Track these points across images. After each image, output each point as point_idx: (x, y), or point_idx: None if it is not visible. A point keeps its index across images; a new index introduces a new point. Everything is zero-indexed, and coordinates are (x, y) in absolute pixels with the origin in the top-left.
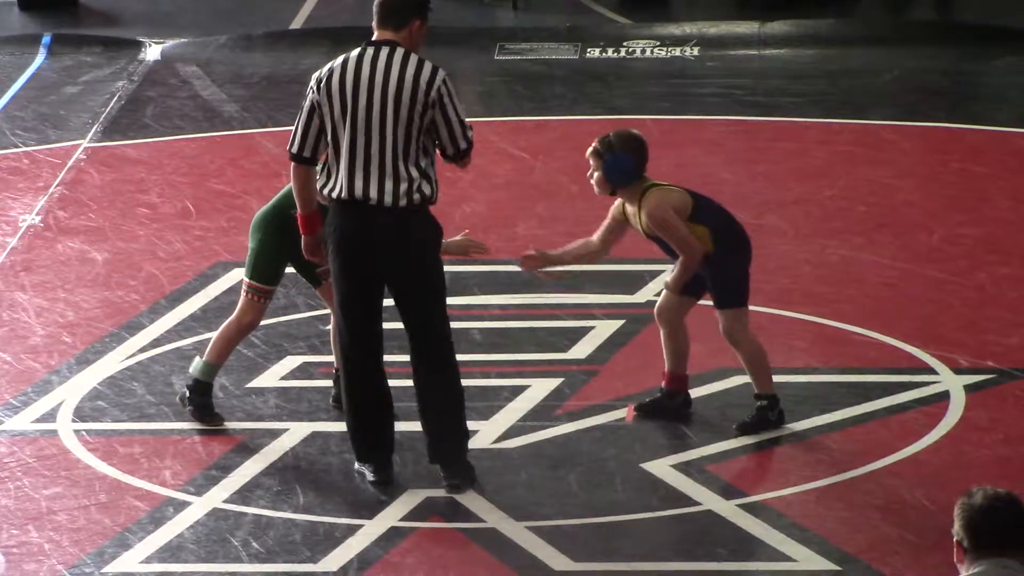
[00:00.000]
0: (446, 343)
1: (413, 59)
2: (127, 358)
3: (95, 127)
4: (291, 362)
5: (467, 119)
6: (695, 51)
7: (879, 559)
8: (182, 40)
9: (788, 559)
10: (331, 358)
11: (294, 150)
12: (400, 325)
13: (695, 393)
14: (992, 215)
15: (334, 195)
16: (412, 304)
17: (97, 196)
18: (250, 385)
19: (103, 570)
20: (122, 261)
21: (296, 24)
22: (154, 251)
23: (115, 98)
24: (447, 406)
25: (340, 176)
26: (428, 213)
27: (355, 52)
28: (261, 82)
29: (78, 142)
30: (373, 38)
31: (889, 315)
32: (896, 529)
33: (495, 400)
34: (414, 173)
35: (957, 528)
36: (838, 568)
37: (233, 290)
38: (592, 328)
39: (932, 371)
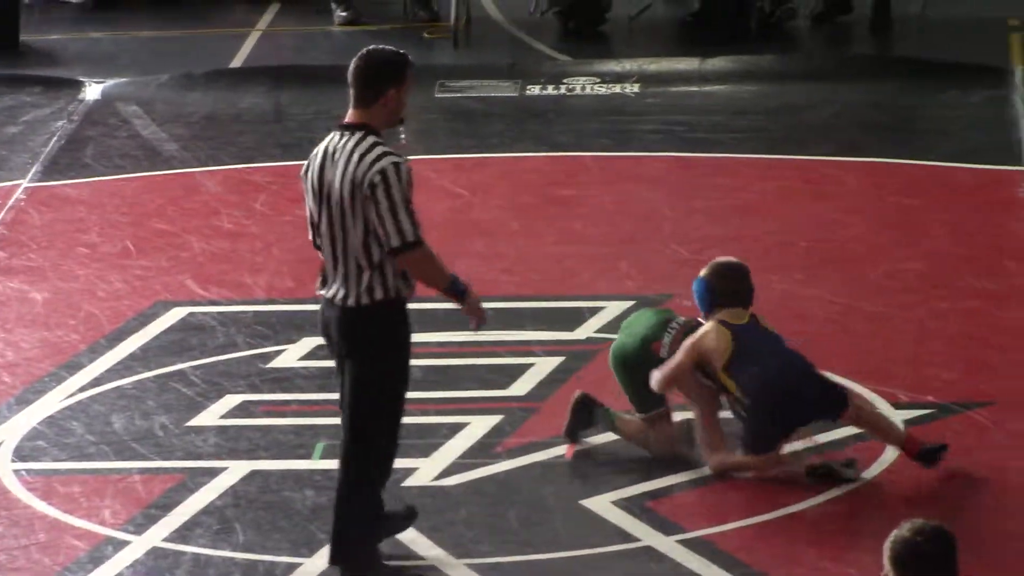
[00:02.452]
0: (358, 442)
1: (364, 146)
2: (67, 397)
3: (35, 167)
4: (230, 400)
5: (407, 216)
6: (635, 87)
7: None
8: (122, 79)
9: None
10: (270, 396)
11: (310, 237)
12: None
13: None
14: (933, 249)
15: (316, 287)
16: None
17: (37, 236)
18: (190, 424)
19: None
20: (62, 301)
21: (236, 63)
22: (94, 291)
23: (55, 138)
24: (339, 495)
25: (322, 271)
26: (381, 311)
27: (327, 140)
28: (201, 121)
29: (18, 182)
30: (345, 118)
31: (830, 350)
32: (835, 564)
33: (434, 437)
34: (364, 274)
35: (886, 561)
36: None
37: (172, 329)
38: (532, 365)
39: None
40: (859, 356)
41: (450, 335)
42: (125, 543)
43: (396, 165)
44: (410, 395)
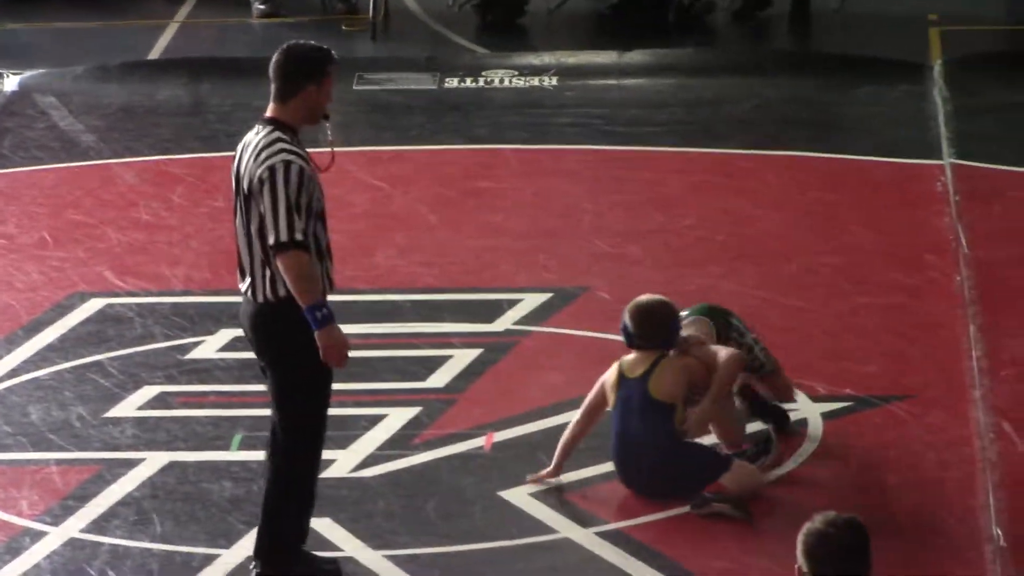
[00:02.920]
0: (284, 436)
1: (266, 141)
2: None
3: None
4: (148, 392)
5: (287, 215)
6: (554, 81)
7: None
8: (39, 71)
9: None
10: (187, 387)
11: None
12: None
13: (549, 423)
14: (851, 243)
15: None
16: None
17: None
18: (107, 415)
19: None
20: None
21: (154, 55)
22: (11, 281)
23: None
24: (265, 497)
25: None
26: (287, 307)
27: (248, 134)
28: (118, 112)
29: None
30: (266, 112)
31: None
32: (753, 556)
33: (352, 429)
34: (268, 269)
35: (799, 554)
36: None
37: (90, 320)
38: (450, 357)
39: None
40: (778, 350)
41: (368, 327)
42: (42, 534)
43: (286, 164)
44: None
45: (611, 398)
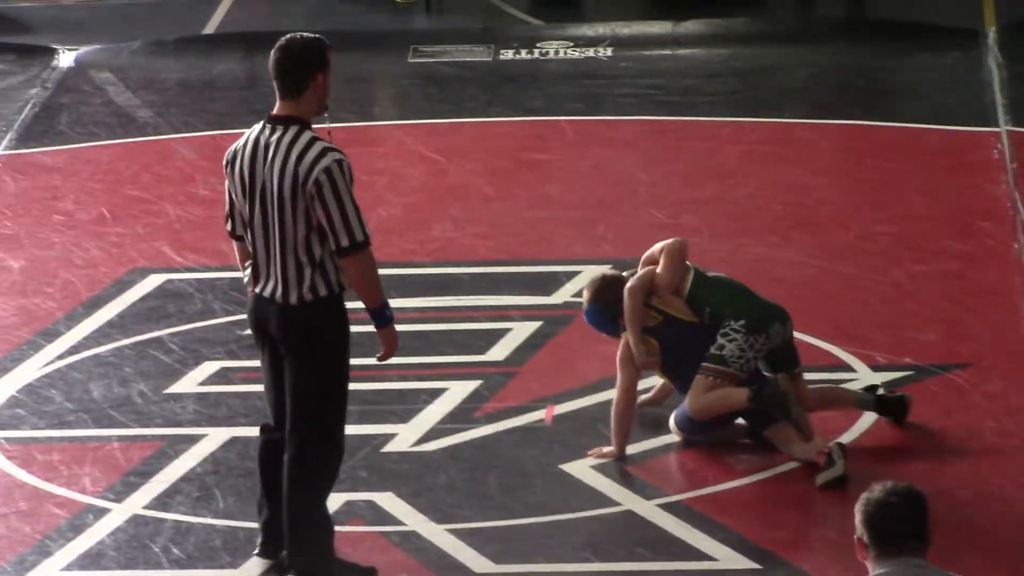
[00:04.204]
0: (314, 434)
1: (301, 142)
2: (45, 365)
3: (9, 135)
4: (209, 367)
5: (356, 215)
6: (608, 51)
7: (799, 557)
8: (95, 47)
9: (709, 558)
10: (248, 363)
11: (228, 227)
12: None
13: (609, 395)
14: (907, 212)
15: (246, 285)
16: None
17: (12, 204)
18: (168, 391)
19: None
20: (38, 268)
21: (209, 29)
22: (70, 258)
23: (29, 105)
24: (287, 489)
25: (251, 264)
26: (324, 307)
27: (255, 132)
28: (174, 87)
29: None
30: (274, 111)
31: (806, 313)
32: (815, 527)
33: (414, 403)
34: (305, 271)
35: (857, 523)
36: (758, 566)
37: (150, 296)
38: (509, 330)
39: (850, 368)
40: (835, 319)
41: (428, 300)
42: (105, 511)
43: (340, 163)
44: (389, 360)
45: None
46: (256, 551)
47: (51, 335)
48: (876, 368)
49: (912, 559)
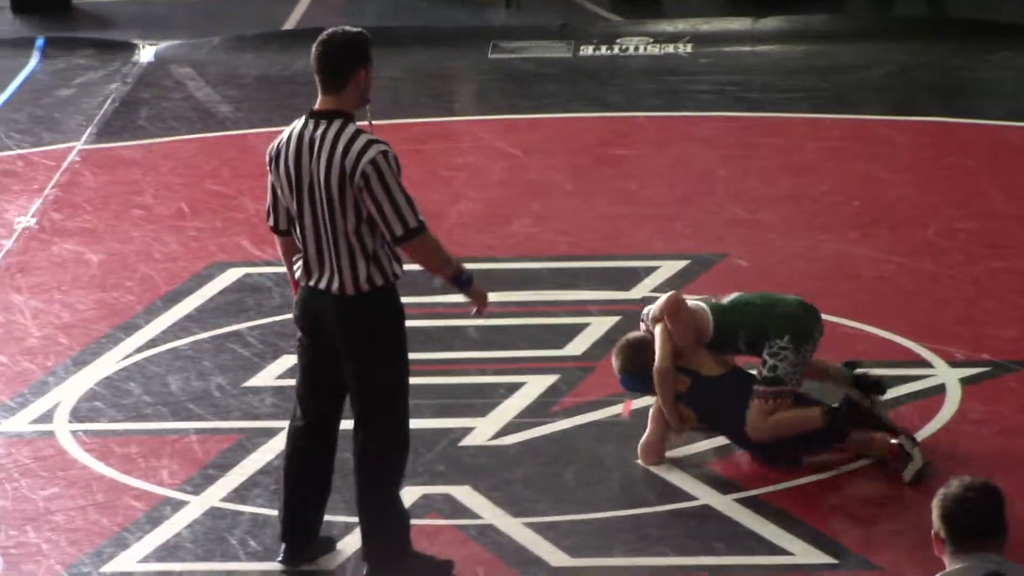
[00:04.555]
0: (388, 429)
1: (346, 135)
2: (123, 359)
3: (89, 129)
4: (287, 361)
5: (407, 203)
6: (688, 48)
7: (876, 553)
8: (175, 42)
9: (785, 553)
10: None
11: (270, 222)
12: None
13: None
14: (986, 209)
15: (297, 278)
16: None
17: (92, 198)
18: (247, 384)
19: (101, 570)
20: (117, 262)
21: (289, 25)
22: (149, 252)
23: (109, 100)
24: (361, 490)
25: (302, 258)
26: (381, 297)
27: (298, 126)
28: (254, 83)
29: (72, 144)
30: (316, 105)
31: (884, 309)
32: (893, 523)
33: (491, 397)
34: (360, 263)
35: (935, 519)
36: (835, 561)
37: (228, 290)
38: (588, 325)
39: (928, 364)
40: (913, 315)
41: (505, 295)
42: (183, 503)
43: (385, 154)
44: (466, 355)
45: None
46: (280, 558)
47: (130, 329)
48: (954, 364)
49: (989, 554)
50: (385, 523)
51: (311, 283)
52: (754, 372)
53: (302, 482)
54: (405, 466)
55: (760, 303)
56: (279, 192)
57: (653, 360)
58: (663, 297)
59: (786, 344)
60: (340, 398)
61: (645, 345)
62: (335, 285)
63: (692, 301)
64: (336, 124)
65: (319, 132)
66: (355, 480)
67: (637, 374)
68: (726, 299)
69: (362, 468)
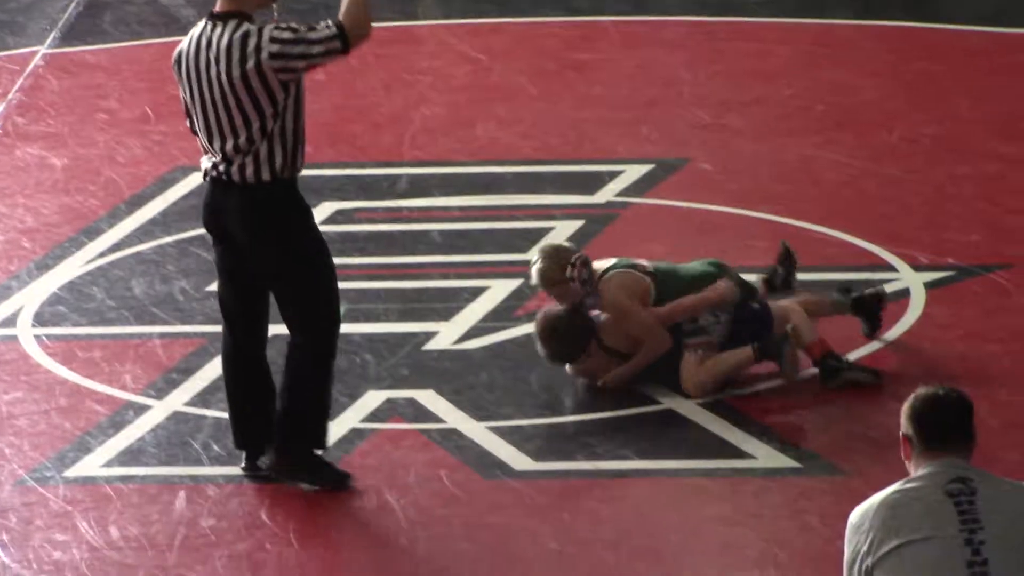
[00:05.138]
0: (311, 327)
1: (241, 32)
2: (87, 263)
3: (53, 33)
4: None
5: (312, 30)
6: None
7: (839, 456)
8: None
9: (749, 456)
10: None
11: (188, 124)
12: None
13: None
14: (951, 114)
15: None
16: (271, 285)
17: (55, 102)
18: (210, 288)
19: (64, 474)
20: (81, 167)
21: None
22: (113, 156)
23: (73, 4)
24: (285, 386)
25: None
26: (284, 188)
27: (198, 30)
28: None
29: (36, 48)
30: (215, 7)
31: (848, 213)
32: (857, 426)
33: (455, 301)
34: (262, 153)
35: (904, 420)
36: (799, 465)
37: (192, 194)
38: (552, 228)
39: (892, 268)
40: (878, 219)
41: (469, 199)
42: (146, 407)
43: (276, 26)
44: (431, 259)
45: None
46: (242, 464)
47: (93, 233)
48: (918, 268)
49: (956, 460)
50: (304, 421)
51: (215, 174)
52: None
53: (242, 392)
54: (334, 354)
55: (677, 267)
56: (184, 96)
57: (579, 338)
58: (617, 302)
59: None
60: (264, 302)
61: (563, 329)
62: (235, 175)
63: (620, 269)
64: (232, 24)
65: (216, 33)
66: (287, 378)
67: (567, 356)
68: (647, 264)
69: (294, 366)
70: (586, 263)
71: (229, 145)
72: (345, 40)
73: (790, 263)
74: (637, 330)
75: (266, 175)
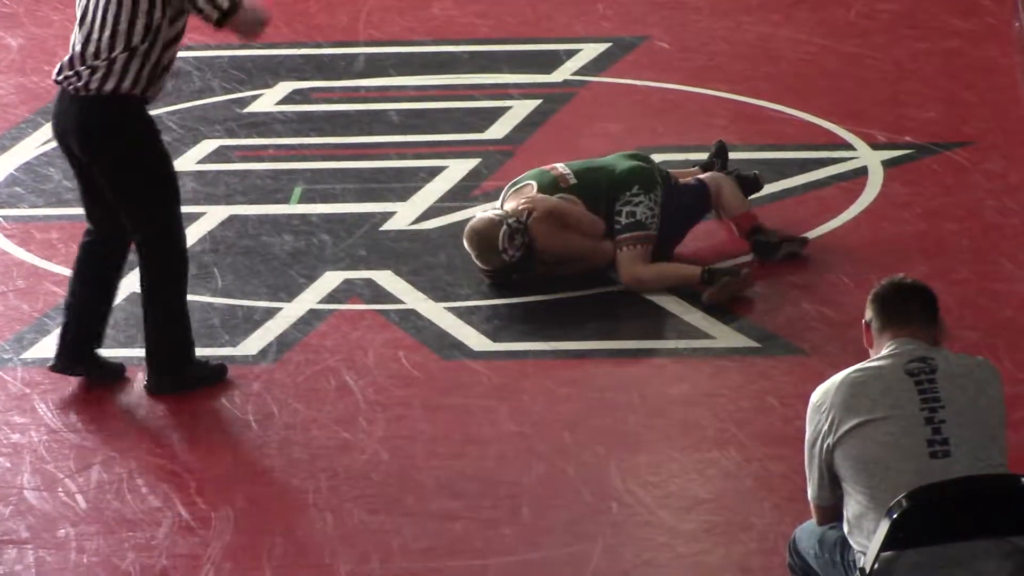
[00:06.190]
0: (150, 245)
1: None
2: (43, 144)
3: None
4: (208, 146)
5: None
6: None
7: (798, 335)
8: None
9: (707, 336)
10: (247, 141)
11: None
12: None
13: None
14: None
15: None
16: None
17: None
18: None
19: (22, 356)
20: (36, 46)
21: None
22: (69, 36)
23: None
24: (145, 302)
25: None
26: (124, 105)
27: None
28: None
29: None
30: None
31: (806, 91)
32: (814, 305)
33: (412, 181)
34: (116, 65)
35: (868, 305)
36: (757, 345)
37: None
38: (509, 108)
39: (850, 147)
40: (835, 97)
41: (425, 79)
42: None
43: None
44: (388, 139)
45: None
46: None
47: (49, 113)
48: (875, 146)
49: (918, 341)
50: (167, 333)
51: (65, 84)
52: None
53: (82, 292)
54: (184, 274)
55: (597, 166)
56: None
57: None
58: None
59: (636, 192)
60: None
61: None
62: (81, 84)
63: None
64: None
65: None
66: (142, 297)
67: (509, 268)
68: (567, 174)
69: (143, 285)
70: (514, 234)
71: (91, 48)
72: (225, 18)
73: (723, 159)
74: (579, 256)
75: (109, 86)
